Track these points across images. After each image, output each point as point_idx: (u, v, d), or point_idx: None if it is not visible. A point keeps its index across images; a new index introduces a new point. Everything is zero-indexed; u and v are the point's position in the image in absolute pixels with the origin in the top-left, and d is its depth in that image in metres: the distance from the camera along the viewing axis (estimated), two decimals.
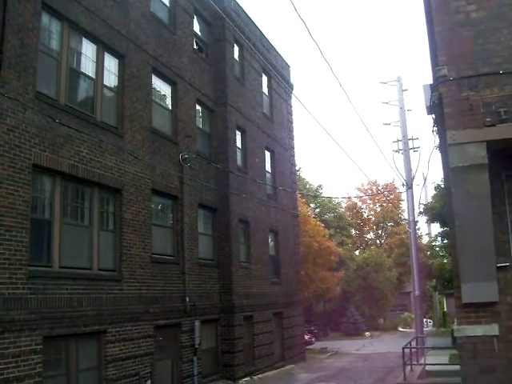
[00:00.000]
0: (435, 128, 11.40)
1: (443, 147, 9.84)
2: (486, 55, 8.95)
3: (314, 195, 52.15)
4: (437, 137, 11.98)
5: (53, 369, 12.44)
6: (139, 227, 15.84)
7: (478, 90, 8.82)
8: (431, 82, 10.04)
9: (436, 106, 9.42)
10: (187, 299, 17.77)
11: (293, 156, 29.78)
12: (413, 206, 26.52)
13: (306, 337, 31.98)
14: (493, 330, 8.58)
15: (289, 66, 30.64)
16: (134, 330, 15.03)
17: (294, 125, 30.51)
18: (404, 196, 43.19)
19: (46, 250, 12.67)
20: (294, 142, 30.15)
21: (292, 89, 30.41)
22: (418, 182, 73.62)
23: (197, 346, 17.96)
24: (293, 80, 30.86)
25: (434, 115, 10.51)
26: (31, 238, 11.97)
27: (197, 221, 19.36)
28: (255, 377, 20.86)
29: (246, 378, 20.19)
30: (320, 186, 57.02)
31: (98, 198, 14.58)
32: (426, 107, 10.03)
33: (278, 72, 28.25)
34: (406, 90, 27.72)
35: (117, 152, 15.22)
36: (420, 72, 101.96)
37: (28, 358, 11.40)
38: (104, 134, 14.84)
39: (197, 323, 18.05)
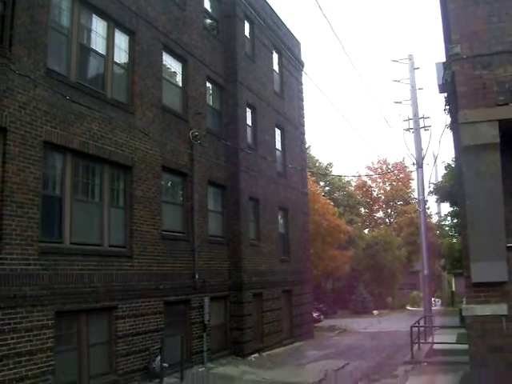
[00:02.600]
0: (447, 107, 11.34)
1: (455, 126, 9.80)
2: (499, 33, 8.87)
3: (323, 173, 52.11)
4: (448, 116, 11.93)
5: (64, 343, 12.61)
6: (149, 204, 15.92)
7: (492, 68, 8.75)
8: (444, 60, 9.97)
9: (448, 85, 9.37)
10: (197, 276, 17.90)
11: (303, 134, 29.67)
12: (423, 185, 26.48)
13: (315, 314, 32.12)
14: (502, 309, 8.61)
15: (299, 43, 30.40)
16: (144, 306, 15.18)
17: (305, 103, 30.36)
18: (414, 175, 43.10)
19: (58, 227, 12.77)
20: (304, 119, 30.03)
21: (303, 66, 30.21)
22: (428, 161, 73.11)
23: (206, 323, 18.13)
24: (303, 57, 30.67)
25: (446, 94, 10.46)
26: (42, 214, 12.06)
27: (207, 198, 19.41)
28: (264, 353, 21.03)
29: (254, 355, 20.35)
30: (330, 164, 57.07)
31: (109, 175, 14.64)
32: (439, 85, 9.97)
33: (289, 49, 28.05)
34: (418, 68, 27.53)
35: (127, 129, 15.24)
36: (432, 50, 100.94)
37: (40, 333, 11.56)
38: (114, 111, 14.85)
39: (206, 300, 18.19)
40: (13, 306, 10.98)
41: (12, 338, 10.89)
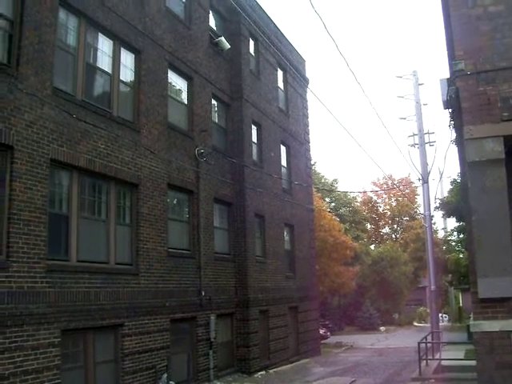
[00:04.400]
0: (452, 122, 11.37)
1: (460, 142, 9.81)
2: (503, 49, 8.89)
3: (329, 189, 52.08)
4: (453, 131, 11.95)
5: (71, 361, 12.58)
6: (155, 221, 15.95)
7: (496, 84, 8.77)
8: (448, 76, 10.01)
9: (453, 101, 9.39)
10: (203, 293, 17.87)
11: (308, 150, 29.73)
12: (429, 200, 26.46)
13: (321, 331, 31.97)
14: (510, 325, 8.54)
15: (304, 61, 30.57)
16: (150, 324, 15.15)
17: (310, 119, 30.45)
18: (420, 190, 43.03)
19: (64, 244, 12.80)
20: (310, 136, 30.10)
21: (307, 83, 30.34)
22: (433, 177, 72.99)
23: (212, 340, 18.07)
24: (308, 74, 30.83)
25: (450, 109, 10.48)
26: (49, 232, 12.10)
27: (212, 215, 19.43)
28: (271, 371, 20.93)
29: (261, 372, 20.26)
30: (335, 180, 57.06)
31: (115, 193, 14.70)
32: (443, 101, 10.00)
33: (294, 66, 28.20)
34: (422, 84, 27.68)
35: (133, 147, 15.32)
36: (436, 66, 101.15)
37: (46, 351, 11.55)
38: (121, 129, 14.94)
39: (212, 317, 18.15)
40: (20, 323, 10.98)
41: (19, 356, 10.88)
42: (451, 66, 9.55)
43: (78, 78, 13.69)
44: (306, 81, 30.26)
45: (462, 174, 10.29)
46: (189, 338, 17.33)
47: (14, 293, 10.96)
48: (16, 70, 11.66)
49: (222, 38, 20.83)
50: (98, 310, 13.26)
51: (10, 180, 11.25)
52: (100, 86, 14.90)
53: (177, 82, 18.55)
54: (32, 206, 11.62)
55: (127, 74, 15.82)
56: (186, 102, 18.91)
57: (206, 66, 19.98)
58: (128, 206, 15.29)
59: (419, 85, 27.58)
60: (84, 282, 12.94)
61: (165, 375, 14.83)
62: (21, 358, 10.92)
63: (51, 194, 12.45)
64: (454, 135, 12.10)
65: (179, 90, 18.79)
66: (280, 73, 26.84)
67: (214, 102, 20.67)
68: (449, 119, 11.86)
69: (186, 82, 18.94)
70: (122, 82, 15.53)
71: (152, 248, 15.67)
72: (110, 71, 14.96)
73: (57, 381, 11.69)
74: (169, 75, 17.72)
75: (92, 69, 14.39)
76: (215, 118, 20.98)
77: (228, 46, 21.00)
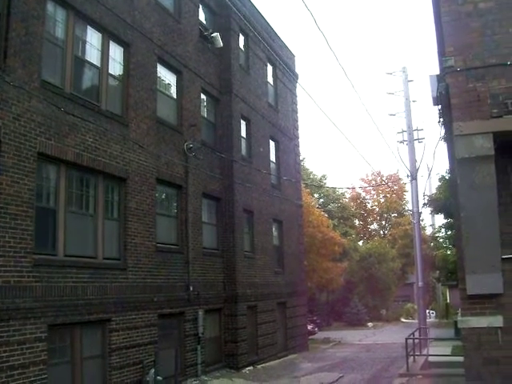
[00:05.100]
0: (441, 119, 11.37)
1: (449, 138, 9.81)
2: (493, 46, 8.88)
3: (318, 185, 52.12)
4: (442, 128, 11.97)
5: (57, 356, 12.51)
6: (144, 216, 15.87)
7: (486, 81, 8.76)
8: (438, 72, 9.99)
9: (442, 97, 9.37)
10: (191, 288, 17.83)
11: (297, 146, 29.73)
12: (417, 197, 26.57)
13: (309, 327, 32.01)
14: (497, 321, 8.57)
15: (294, 56, 30.52)
16: (138, 319, 15.09)
17: (299, 115, 30.45)
18: (408, 187, 43.18)
19: (51, 239, 12.71)
20: (299, 131, 30.10)
21: (297, 78, 30.30)
22: (422, 173, 73.38)
23: (200, 335, 18.04)
24: (298, 70, 30.76)
25: (440, 106, 10.47)
26: (36, 226, 12.00)
27: (201, 210, 19.38)
28: (259, 366, 20.94)
29: (249, 368, 20.26)
30: (324, 176, 57.06)
31: (103, 187, 14.60)
32: (433, 98, 9.99)
33: (283, 61, 28.15)
34: (412, 80, 27.82)
35: (122, 141, 15.23)
36: (425, 63, 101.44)
37: (33, 346, 11.46)
38: (109, 123, 14.84)
39: (200, 312, 18.12)
40: (6, 318, 10.88)
41: (5, 351, 10.78)
42: (441, 62, 9.53)
43: (66, 71, 13.56)
44: (296, 76, 30.22)
45: (451, 170, 10.29)
46: (177, 334, 17.28)
47: (0, 287, 10.86)
48: (3, 63, 11.52)
49: (217, 35, 20.63)
50: (86, 305, 13.17)
51: None
52: (88, 79, 14.77)
53: (166, 76, 18.45)
54: (19, 200, 11.51)
55: (116, 67, 15.70)
56: (175, 97, 18.81)
57: (195, 60, 19.89)
58: (116, 200, 15.19)
59: (409, 81, 27.71)
60: (71, 276, 12.85)
61: (152, 370, 14.78)
62: (7, 354, 10.82)
63: (38, 187, 12.33)
64: (443, 132, 12.13)
65: (168, 84, 18.69)
66: (270, 68, 26.79)
67: (203, 96, 20.59)
68: (438, 116, 11.85)
69: (175, 76, 18.84)
70: (111, 75, 15.41)
71: (140, 243, 15.60)
72: (98, 64, 14.83)
73: (43, 376, 11.61)
74: (158, 69, 17.61)
75: (80, 62, 14.26)
76: (204, 112, 20.89)
77: (221, 43, 20.75)
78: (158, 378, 14.69)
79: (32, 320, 11.53)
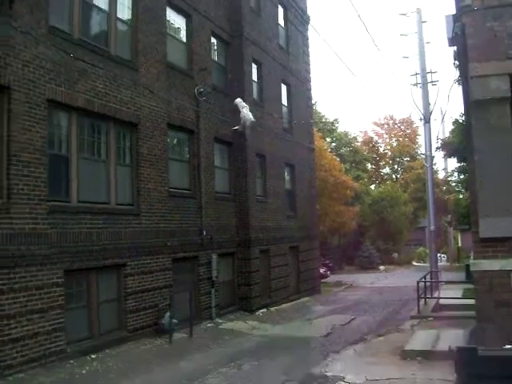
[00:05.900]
0: (456, 61, 11.16)
1: (464, 80, 9.64)
2: None
3: (330, 129, 51.77)
4: (457, 70, 11.75)
5: (74, 301, 12.77)
6: (156, 162, 15.87)
7: (503, 20, 8.55)
8: (453, 12, 9.74)
9: (458, 38, 9.18)
10: (204, 233, 17.97)
11: (309, 89, 29.35)
12: (430, 140, 26.31)
13: (321, 270, 32.30)
14: (510, 264, 8.61)
15: None
16: (152, 263, 15.30)
17: (311, 58, 29.94)
18: (421, 131, 42.86)
19: (65, 186, 12.78)
20: (311, 75, 29.67)
21: (309, 20, 29.66)
22: (435, 117, 72.54)
23: (214, 279, 18.28)
24: (310, 11, 30.11)
25: (455, 47, 10.26)
26: (49, 173, 12.05)
27: (213, 155, 19.34)
28: (271, 309, 21.25)
29: (262, 310, 20.58)
30: (336, 119, 56.57)
31: (115, 133, 14.56)
32: (448, 39, 9.78)
33: (295, 2, 27.53)
34: (425, 21, 27.23)
35: (132, 86, 15.09)
36: (440, 5, 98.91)
37: (50, 291, 11.69)
38: (119, 68, 14.67)
39: (214, 256, 18.31)
40: (23, 265, 11.07)
41: (24, 296, 11.04)
42: (458, 1, 9.28)
43: (74, 17, 13.32)
44: (308, 18, 29.57)
45: (466, 113, 10.17)
46: (191, 277, 17.51)
47: (15, 234, 11.01)
48: (9, 8, 11.32)
49: None
50: (101, 251, 13.35)
51: (8, 121, 11.11)
52: (97, 24, 14.54)
53: (175, 19, 18.11)
54: (31, 148, 11.52)
55: (124, 11, 15.41)
56: (184, 41, 18.52)
57: (204, 2, 19.46)
58: (128, 146, 15.17)
59: (422, 22, 27.02)
60: (85, 222, 12.98)
61: (167, 313, 15.03)
62: (26, 299, 11.07)
63: (50, 135, 12.32)
64: (457, 74, 11.91)
65: (178, 28, 18.37)
66: (280, 9, 26.18)
67: (213, 40, 20.24)
68: (453, 58, 11.64)
69: (184, 20, 18.50)
70: (120, 19, 15.15)
71: (153, 188, 15.65)
72: (106, 9, 14.56)
73: (61, 320, 11.88)
74: (167, 13, 17.28)
75: (88, 6, 13.99)
76: (215, 56, 20.59)
77: None
78: (174, 320, 14.96)
79: (48, 266, 11.72)
